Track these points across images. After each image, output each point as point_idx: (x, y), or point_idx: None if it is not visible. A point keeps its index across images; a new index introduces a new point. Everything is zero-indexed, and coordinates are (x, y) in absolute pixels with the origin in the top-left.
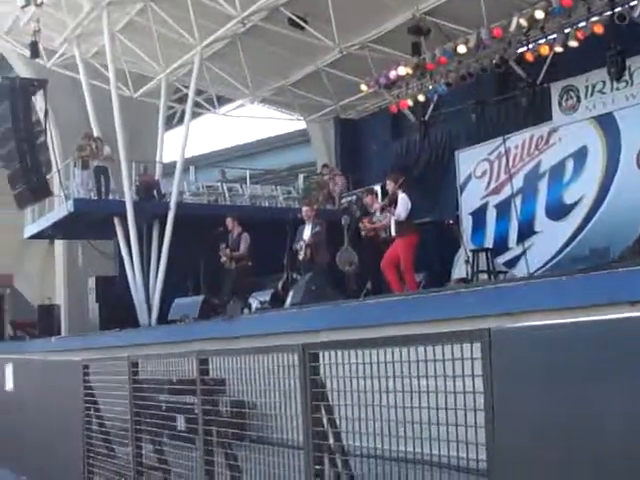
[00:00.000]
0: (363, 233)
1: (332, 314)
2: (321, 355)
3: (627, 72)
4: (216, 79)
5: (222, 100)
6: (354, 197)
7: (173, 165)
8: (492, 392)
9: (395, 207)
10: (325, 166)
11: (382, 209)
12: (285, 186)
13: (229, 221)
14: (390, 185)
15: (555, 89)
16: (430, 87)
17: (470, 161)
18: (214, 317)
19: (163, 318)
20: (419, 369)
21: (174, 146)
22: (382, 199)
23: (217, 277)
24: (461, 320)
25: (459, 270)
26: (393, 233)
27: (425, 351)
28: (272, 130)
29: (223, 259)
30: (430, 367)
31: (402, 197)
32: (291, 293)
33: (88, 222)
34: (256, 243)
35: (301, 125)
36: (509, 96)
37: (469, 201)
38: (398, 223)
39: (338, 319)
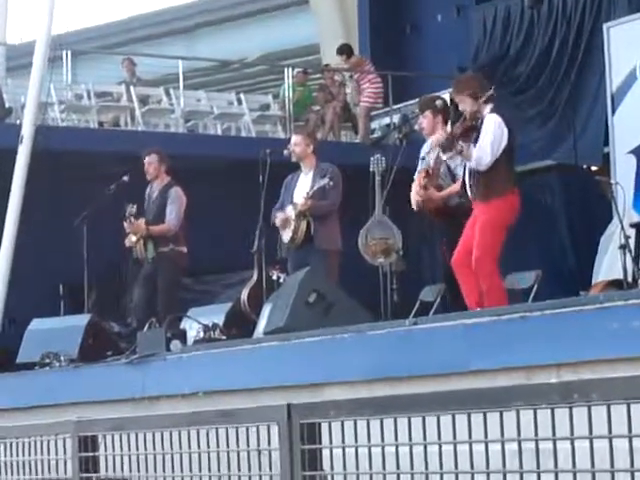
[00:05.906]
0: (415, 201)
1: (352, 350)
2: (326, 429)
3: None
4: None
5: None
6: (398, 117)
7: (29, 49)
8: None
9: (475, 141)
10: (342, 53)
11: (449, 144)
12: (257, 93)
13: (151, 161)
14: (465, 96)
15: None
16: None
17: (634, 46)
18: (110, 358)
19: (7, 358)
20: None
21: (32, 11)
22: (454, 123)
23: (116, 277)
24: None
25: (610, 263)
26: (470, 194)
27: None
28: None
29: (130, 240)
30: None
31: (491, 121)
32: (268, 309)
33: None
34: (196, 210)
35: None
36: None
37: (631, 127)
38: (480, 175)
39: (362, 361)
